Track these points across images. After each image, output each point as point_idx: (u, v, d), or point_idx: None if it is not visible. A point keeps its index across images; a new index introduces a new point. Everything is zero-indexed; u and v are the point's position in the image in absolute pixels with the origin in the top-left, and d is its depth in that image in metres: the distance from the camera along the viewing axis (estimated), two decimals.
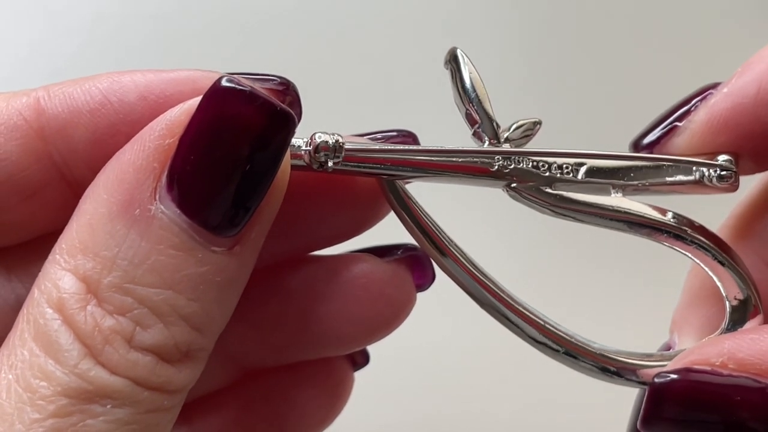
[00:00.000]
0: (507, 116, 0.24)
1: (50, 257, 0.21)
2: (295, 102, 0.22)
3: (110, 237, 0.20)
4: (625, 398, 0.27)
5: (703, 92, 0.25)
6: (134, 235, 0.20)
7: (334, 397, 0.29)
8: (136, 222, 0.20)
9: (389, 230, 0.26)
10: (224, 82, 0.20)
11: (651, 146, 0.25)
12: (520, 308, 0.25)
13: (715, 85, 0.25)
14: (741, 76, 0.24)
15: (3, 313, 0.24)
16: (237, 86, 0.20)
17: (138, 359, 0.20)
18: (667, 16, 0.53)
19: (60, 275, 0.20)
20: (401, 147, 0.23)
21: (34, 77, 0.47)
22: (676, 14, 0.53)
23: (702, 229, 0.25)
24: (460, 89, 0.24)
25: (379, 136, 0.25)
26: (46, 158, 0.23)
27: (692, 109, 0.25)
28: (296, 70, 0.49)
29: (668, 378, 0.22)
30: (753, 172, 0.26)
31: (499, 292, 0.25)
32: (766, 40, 0.25)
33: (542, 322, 0.25)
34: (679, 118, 0.25)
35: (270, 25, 0.52)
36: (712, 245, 0.25)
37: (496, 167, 0.24)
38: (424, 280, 0.27)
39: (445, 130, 0.27)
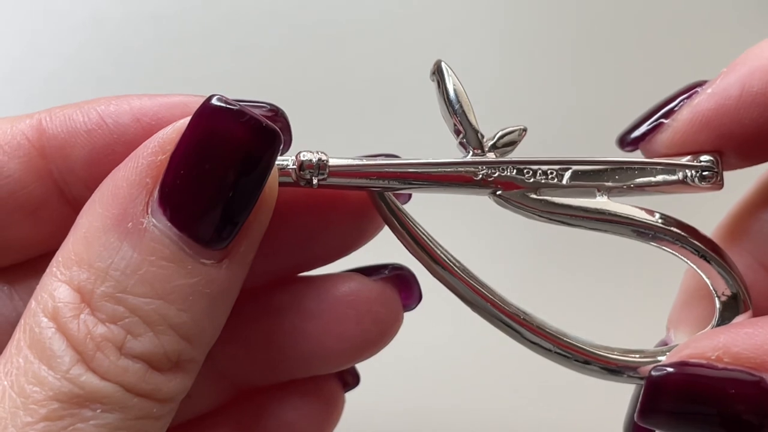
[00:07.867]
0: (496, 124, 0.25)
1: (48, 270, 0.22)
2: (285, 128, 0.23)
3: (104, 249, 0.21)
4: (620, 395, 0.27)
5: (689, 90, 0.25)
6: (127, 247, 0.21)
7: (325, 415, 0.29)
8: (129, 234, 0.21)
9: (379, 252, 0.27)
10: (214, 101, 0.21)
11: (637, 141, 0.26)
12: (511, 310, 0.25)
13: (701, 83, 0.25)
14: (725, 76, 0.25)
15: (5, 331, 0.25)
16: (225, 105, 0.21)
17: (128, 366, 0.21)
18: (660, 18, 0.53)
19: (56, 286, 0.21)
20: (383, 161, 0.24)
21: (34, 77, 0.48)
22: (670, 16, 0.53)
23: (689, 229, 0.25)
24: (445, 100, 0.24)
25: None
26: (47, 176, 0.24)
27: (677, 107, 0.25)
28: (294, 72, 0.50)
29: (664, 371, 0.23)
30: (737, 168, 0.26)
31: (490, 295, 0.25)
32: (760, 38, 0.25)
33: (534, 323, 0.25)
34: (665, 116, 0.25)
35: (269, 27, 0.52)
36: (698, 244, 0.25)
37: (480, 176, 0.24)
38: (411, 300, 0.27)
39: (437, 138, 0.28)
